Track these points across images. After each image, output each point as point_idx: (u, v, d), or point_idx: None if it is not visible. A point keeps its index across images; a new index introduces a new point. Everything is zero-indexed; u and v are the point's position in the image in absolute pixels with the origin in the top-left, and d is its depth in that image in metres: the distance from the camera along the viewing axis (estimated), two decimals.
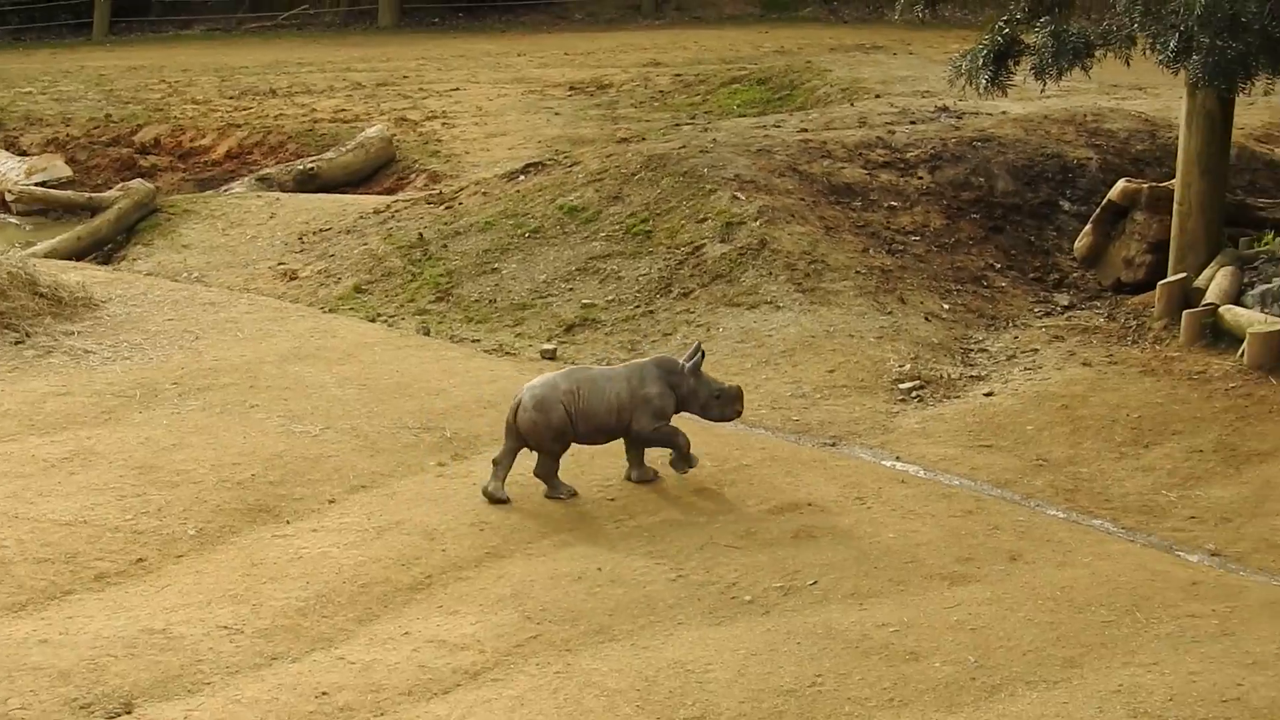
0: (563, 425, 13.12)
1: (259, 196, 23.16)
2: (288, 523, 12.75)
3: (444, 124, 27.69)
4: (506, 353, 17.03)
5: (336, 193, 24.21)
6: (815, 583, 11.56)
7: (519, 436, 13.19)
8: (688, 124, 26.14)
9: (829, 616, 11.04)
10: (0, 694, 10.04)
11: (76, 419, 14.58)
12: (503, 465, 13.23)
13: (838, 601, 11.29)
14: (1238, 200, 18.99)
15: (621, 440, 13.43)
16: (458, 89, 30.55)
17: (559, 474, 13.25)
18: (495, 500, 13.08)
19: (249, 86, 31.04)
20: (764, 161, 20.43)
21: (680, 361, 13.53)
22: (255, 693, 10.19)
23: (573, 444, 13.31)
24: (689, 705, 9.95)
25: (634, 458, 13.53)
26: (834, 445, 14.44)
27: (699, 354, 13.52)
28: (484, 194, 21.10)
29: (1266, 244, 17.40)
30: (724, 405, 13.60)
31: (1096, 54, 15.16)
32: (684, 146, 20.91)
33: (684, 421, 13.53)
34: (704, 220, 19.07)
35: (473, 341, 17.38)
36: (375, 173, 25.98)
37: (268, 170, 25.50)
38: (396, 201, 22.04)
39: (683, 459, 13.51)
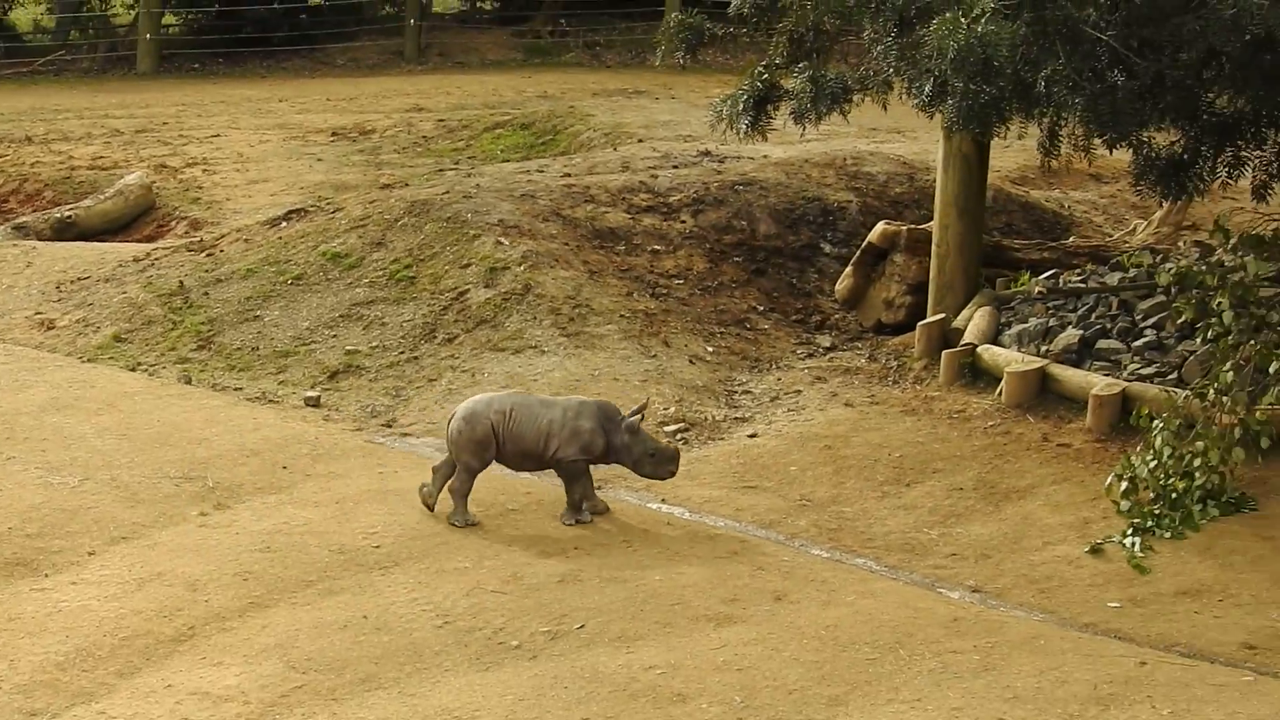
0: (486, 440, 13.38)
1: (15, 245, 22.64)
2: (46, 575, 12.49)
3: (205, 170, 27.33)
4: (269, 400, 16.84)
5: (95, 240, 23.74)
6: (583, 626, 11.54)
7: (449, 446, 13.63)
8: (451, 169, 26.05)
9: (596, 660, 11.03)
10: None
11: None
12: (439, 474, 13.61)
13: (605, 645, 11.29)
14: (994, 242, 19.35)
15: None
16: (218, 135, 30.19)
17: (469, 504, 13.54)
18: (425, 504, 13.58)
19: (4, 134, 30.36)
20: (528, 206, 20.44)
21: (621, 414, 13.67)
22: None
23: (498, 465, 13.71)
24: None
25: (569, 496, 13.70)
26: (600, 488, 14.43)
27: (640, 414, 13.69)
28: (246, 241, 20.87)
29: (1022, 284, 17.73)
30: (657, 464, 13.68)
31: (854, 98, 15.37)
32: (447, 192, 20.85)
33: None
34: (468, 265, 19.03)
35: (235, 389, 17.16)
36: (135, 220, 25.46)
37: (23, 219, 24.91)
38: (156, 249, 21.69)
39: (572, 509, 13.60)
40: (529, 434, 13.47)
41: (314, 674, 10.93)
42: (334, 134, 30.65)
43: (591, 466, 13.66)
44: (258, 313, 18.91)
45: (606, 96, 32.96)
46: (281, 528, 13.26)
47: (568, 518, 13.57)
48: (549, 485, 14.46)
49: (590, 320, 18.06)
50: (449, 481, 13.61)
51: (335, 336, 18.24)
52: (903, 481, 14.59)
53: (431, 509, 13.52)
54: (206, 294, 19.47)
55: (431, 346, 17.80)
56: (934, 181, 18.65)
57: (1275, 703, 10.19)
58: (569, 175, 22.31)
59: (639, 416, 13.67)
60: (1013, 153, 23.21)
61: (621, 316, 18.27)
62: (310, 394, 16.94)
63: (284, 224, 21.22)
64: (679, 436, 15.76)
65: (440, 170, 26.08)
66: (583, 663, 10.99)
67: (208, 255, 20.67)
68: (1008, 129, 14.31)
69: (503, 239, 19.44)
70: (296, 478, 14.47)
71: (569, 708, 10.34)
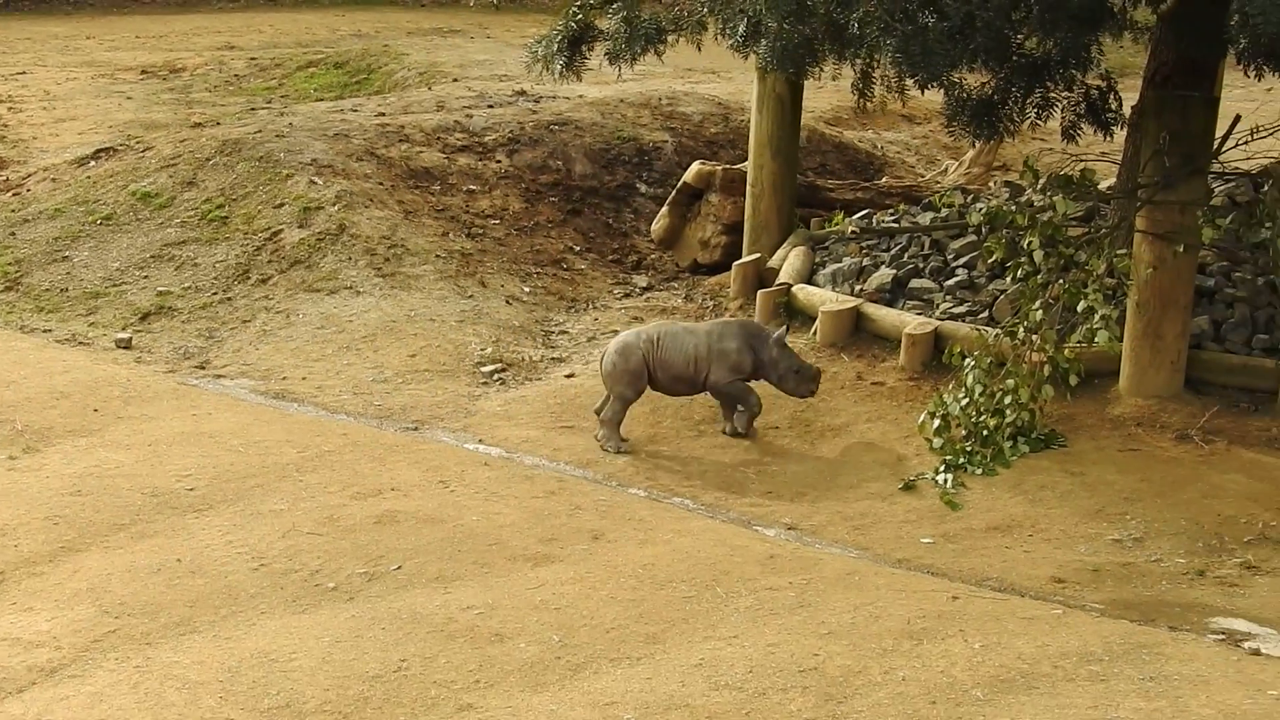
0: (639, 370, 14.21)
1: None
2: None
3: (10, 109, 26.79)
4: (80, 342, 16.60)
5: None
6: (399, 567, 11.50)
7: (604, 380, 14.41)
8: (264, 108, 25.77)
9: (413, 601, 10.98)
10: None
11: None
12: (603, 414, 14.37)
13: (422, 586, 11.25)
14: (809, 182, 19.48)
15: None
16: (24, 73, 29.62)
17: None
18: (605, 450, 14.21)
19: None
20: (342, 146, 20.28)
21: (767, 329, 14.36)
22: None
23: (654, 391, 14.48)
24: (273, 694, 9.80)
25: (725, 413, 14.47)
26: (417, 429, 14.39)
27: (785, 329, 14.51)
28: (53, 180, 20.53)
29: (836, 224, 17.86)
30: (800, 381, 14.31)
31: (669, 39, 15.35)
32: (260, 131, 20.64)
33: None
34: (281, 205, 18.86)
35: (44, 331, 16.90)
36: None
37: None
38: None
39: (748, 421, 14.28)
40: (677, 360, 14.20)
41: (127, 618, 10.78)
42: (143, 72, 30.21)
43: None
44: (66, 253, 18.61)
45: (421, 35, 32.76)
46: (93, 471, 13.08)
47: (742, 427, 14.40)
48: (364, 427, 14.40)
49: (406, 260, 17.98)
50: (601, 412, 14.32)
51: (146, 277, 18.00)
52: (718, 421, 14.66)
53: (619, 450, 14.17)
54: (13, 234, 19.14)
55: (245, 287, 17.62)
56: (749, 122, 18.73)
57: (1083, 635, 10.37)
58: (383, 115, 22.16)
59: (785, 330, 14.39)
60: (826, 93, 23.36)
61: (437, 257, 18.19)
62: (121, 335, 16.71)
63: (92, 163, 20.91)
64: (495, 377, 15.74)
65: (252, 109, 25.79)
66: (400, 604, 10.94)
67: (14, 195, 20.32)
68: (821, 70, 14.37)
69: (316, 178, 19.28)
70: (108, 420, 14.27)
71: (386, 649, 10.30)
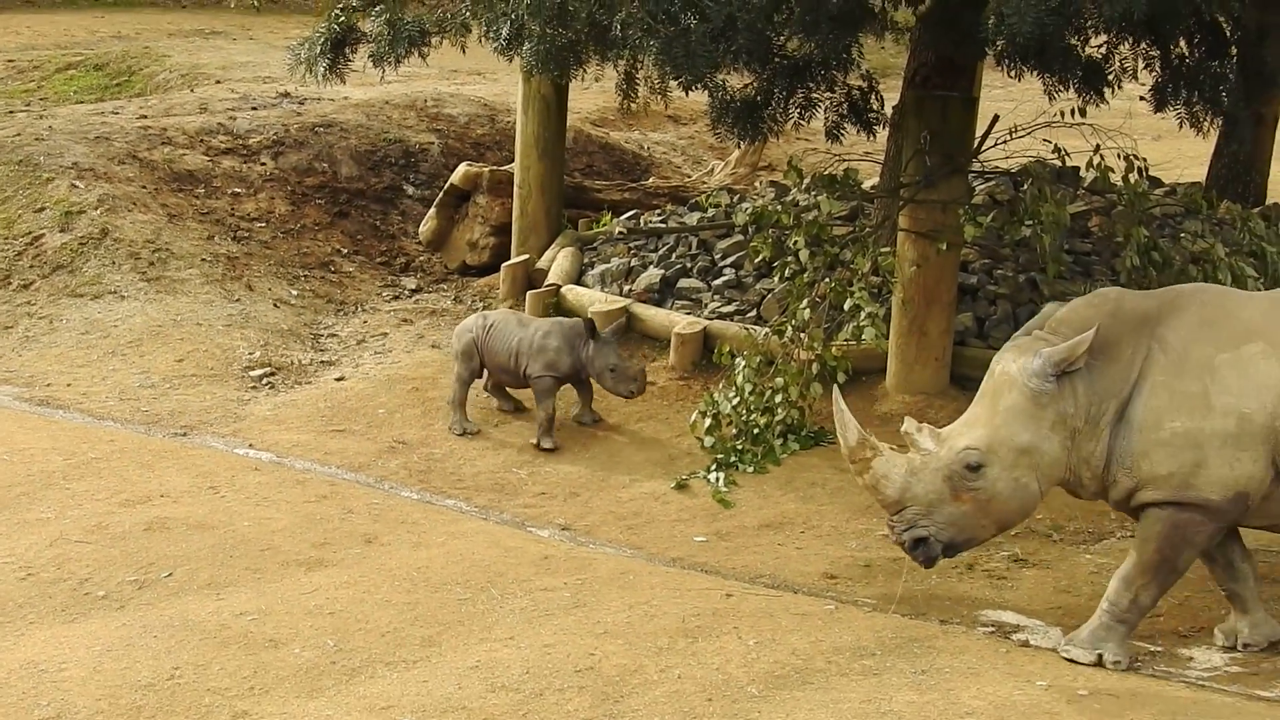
0: (469, 350, 14.59)
1: None
2: None
3: None
4: None
5: None
6: (170, 574, 11.38)
7: None
8: (22, 111, 25.32)
9: (185, 608, 10.88)
10: None
11: None
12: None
13: (194, 592, 11.15)
14: (576, 183, 19.58)
15: None
16: None
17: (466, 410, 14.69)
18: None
19: None
20: (103, 149, 20.01)
21: (586, 328, 14.32)
22: None
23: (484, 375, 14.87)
24: (44, 706, 9.66)
25: (582, 401, 14.81)
26: (185, 435, 14.26)
27: (619, 324, 14.82)
28: None
29: (604, 225, 17.97)
30: (618, 380, 14.27)
31: (433, 41, 15.34)
32: (19, 134, 20.30)
33: None
34: (42, 210, 18.56)
35: None
36: None
37: None
38: None
39: (542, 430, 14.33)
40: (500, 350, 14.40)
41: None
42: None
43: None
44: None
45: (183, 37, 32.39)
46: None
47: (544, 440, 14.30)
48: (132, 433, 14.24)
49: (171, 264, 17.79)
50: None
51: None
52: (491, 422, 14.71)
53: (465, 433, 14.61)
54: None
55: (6, 293, 17.33)
56: (515, 123, 18.77)
57: (855, 630, 10.54)
58: (145, 117, 21.90)
59: (611, 329, 14.44)
60: (592, 95, 23.48)
61: (203, 260, 18.02)
62: None
63: None
64: (265, 381, 15.64)
65: (10, 112, 25.32)
66: (172, 611, 10.83)
67: None
68: (585, 72, 14.45)
69: (77, 182, 19.01)
70: None
71: (158, 657, 10.19)
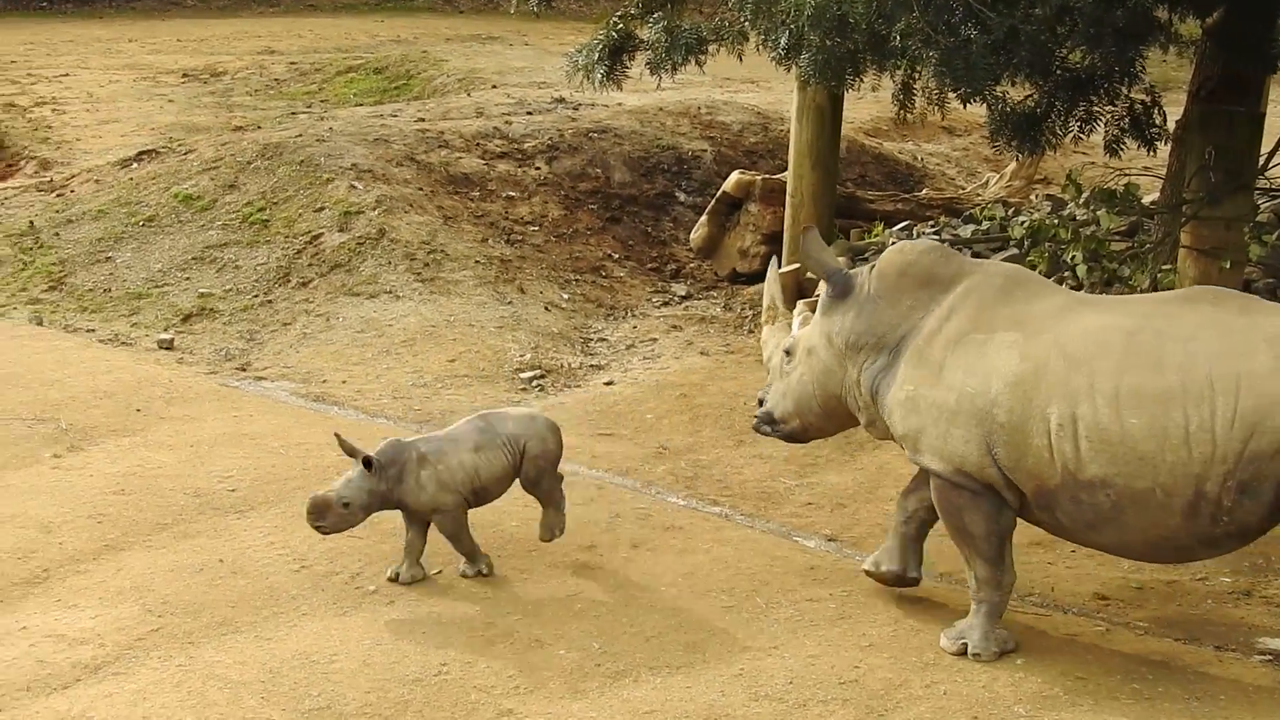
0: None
1: None
2: None
3: (54, 110, 26.96)
4: (122, 342, 16.69)
5: None
6: (440, 571, 11.53)
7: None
8: (304, 113, 25.90)
9: (453, 605, 11.01)
10: None
11: None
12: None
13: (461, 590, 11.26)
14: (848, 193, 19.50)
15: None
16: (68, 75, 29.78)
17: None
18: None
19: None
20: (382, 151, 20.35)
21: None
22: None
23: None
24: (314, 696, 9.84)
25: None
26: None
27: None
28: (96, 181, 20.65)
29: (876, 235, 17.87)
30: None
31: (710, 49, 15.37)
32: (300, 135, 20.73)
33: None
34: (322, 209, 18.93)
35: (87, 331, 17.00)
36: None
37: None
38: (5, 189, 21.42)
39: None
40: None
41: (170, 617, 10.83)
42: (185, 75, 30.36)
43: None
44: (109, 254, 18.72)
45: (460, 42, 32.85)
46: (136, 470, 13.14)
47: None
48: (405, 431, 14.42)
49: (445, 266, 18.03)
50: None
51: (188, 279, 18.09)
52: (754, 438, 14.69)
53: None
54: (57, 234, 19.25)
55: (286, 290, 17.69)
56: (788, 131, 18.76)
57: (1126, 652, 10.37)
58: (423, 120, 22.23)
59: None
60: (866, 104, 23.38)
61: (476, 262, 18.24)
62: (164, 336, 16.80)
63: (135, 165, 21.02)
64: (534, 383, 15.77)
65: (293, 113, 25.92)
66: (440, 608, 10.97)
67: (58, 195, 20.44)
68: (861, 81, 14.37)
69: (356, 183, 19.36)
70: (150, 420, 14.34)
71: (427, 652, 10.33)
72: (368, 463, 11.10)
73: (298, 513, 12.37)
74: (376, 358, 16.19)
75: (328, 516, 10.97)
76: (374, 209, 18.78)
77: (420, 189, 19.65)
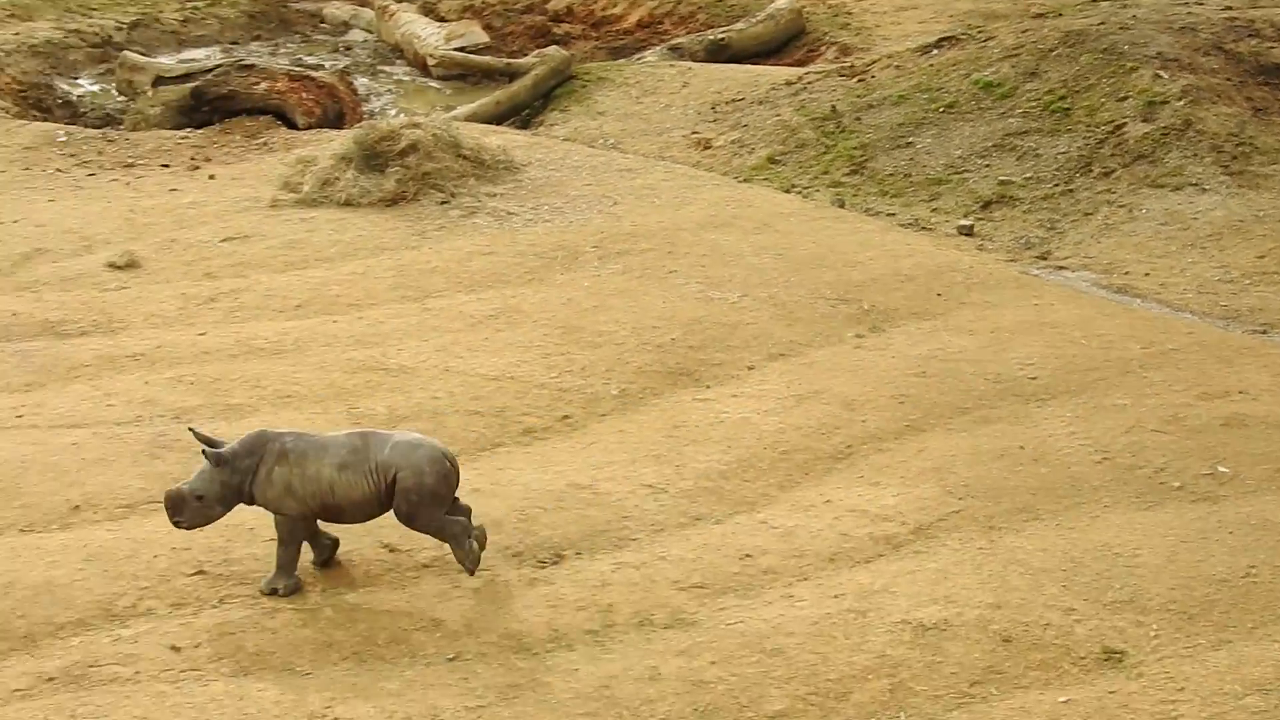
0: None
1: (671, 65, 23.19)
2: (708, 387, 12.83)
3: None
4: (922, 227, 16.89)
5: (746, 63, 24.08)
6: (1241, 473, 11.22)
7: None
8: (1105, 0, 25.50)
9: (1263, 508, 10.71)
10: None
11: (501, 278, 14.89)
12: None
13: (1272, 493, 10.96)
14: None
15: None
16: None
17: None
18: None
19: None
20: (1187, 39, 19.83)
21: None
22: (680, 551, 10.28)
23: None
24: (1117, 589, 9.78)
25: None
26: (1265, 333, 13.99)
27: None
28: (896, 67, 20.88)
29: None
30: None
31: None
32: (1103, 23, 20.40)
33: None
34: (1124, 99, 18.61)
35: (888, 215, 17.28)
36: (785, 44, 25.73)
37: (678, 40, 25.39)
38: (808, 73, 21.88)
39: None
40: None
41: (970, 500, 10.94)
42: None
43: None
44: (909, 139, 18.94)
45: None
46: (936, 353, 13.30)
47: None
48: (1210, 327, 14.11)
49: (1254, 159, 17.47)
50: None
51: (988, 166, 18.12)
52: None
53: None
54: (858, 119, 19.59)
55: (1086, 180, 17.51)
56: None
57: None
58: (1230, 8, 21.52)
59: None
60: None
61: None
62: (963, 223, 16.92)
63: (935, 51, 21.14)
64: None
65: (1094, 0, 25.53)
66: (1248, 509, 10.69)
67: (859, 81, 20.76)
68: None
69: (1161, 72, 18.93)
70: (950, 305, 14.47)
71: (1234, 554, 10.10)
72: (214, 458, 10.18)
73: (1099, 404, 12.33)
74: (1180, 251, 15.87)
75: (184, 511, 10.20)
76: (1179, 99, 18.33)
77: (1228, 79, 19.07)
